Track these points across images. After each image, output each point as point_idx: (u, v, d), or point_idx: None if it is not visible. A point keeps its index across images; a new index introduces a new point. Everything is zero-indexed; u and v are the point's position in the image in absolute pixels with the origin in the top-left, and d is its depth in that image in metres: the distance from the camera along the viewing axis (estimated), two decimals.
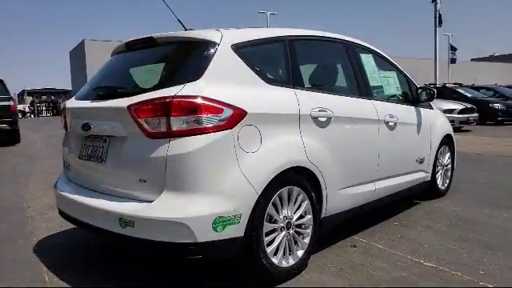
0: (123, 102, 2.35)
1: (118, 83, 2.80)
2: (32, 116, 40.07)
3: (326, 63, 3.45)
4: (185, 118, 2.20)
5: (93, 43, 35.86)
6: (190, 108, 2.20)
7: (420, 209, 4.25)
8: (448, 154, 4.81)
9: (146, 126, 2.26)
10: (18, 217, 4.24)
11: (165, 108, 2.21)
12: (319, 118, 2.82)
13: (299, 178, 2.65)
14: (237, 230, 2.29)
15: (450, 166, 4.85)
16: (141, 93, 2.37)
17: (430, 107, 4.45)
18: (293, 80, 2.78)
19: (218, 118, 2.25)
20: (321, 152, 2.79)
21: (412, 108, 4.05)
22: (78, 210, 2.65)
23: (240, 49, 2.54)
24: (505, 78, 44.53)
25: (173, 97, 2.21)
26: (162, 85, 2.38)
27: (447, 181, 4.81)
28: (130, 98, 2.36)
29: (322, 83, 3.16)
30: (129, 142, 2.36)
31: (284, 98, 2.67)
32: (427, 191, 4.47)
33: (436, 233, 3.47)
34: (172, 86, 2.29)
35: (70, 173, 2.93)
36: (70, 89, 45.16)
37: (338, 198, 2.99)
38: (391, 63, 4.00)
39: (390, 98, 3.83)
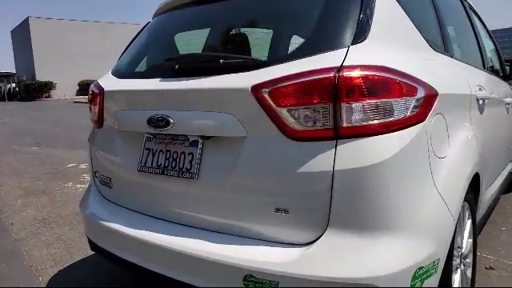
0: (242, 80, 1.40)
1: (203, 50, 1.80)
2: None
3: (457, 24, 2.59)
4: (364, 104, 1.28)
5: (39, 21, 32.92)
6: (374, 87, 1.29)
7: (508, 207, 3.57)
8: None
9: (290, 119, 1.32)
10: (3, 240, 3.12)
11: (328, 88, 1.28)
12: (479, 101, 2.00)
13: (468, 190, 1.82)
14: (432, 284, 1.43)
15: None
16: (267, 65, 1.41)
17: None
18: (446, 45, 1.93)
19: (413, 104, 1.35)
20: (483, 148, 1.97)
21: (507, 84, 3.32)
22: (139, 251, 1.67)
23: None
24: None
25: (339, 68, 1.29)
26: (299, 51, 1.45)
27: None
28: (251, 73, 1.40)
29: (463, 51, 2.33)
30: (251, 147, 1.41)
31: (453, 72, 1.82)
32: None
33: None
34: (321, 51, 1.36)
35: (111, 190, 1.92)
36: (14, 72, 41.54)
37: (482, 204, 2.21)
38: (487, 29, 3.22)
39: (495, 73, 3.07)
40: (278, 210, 1.36)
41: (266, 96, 1.33)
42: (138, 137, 1.74)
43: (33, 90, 33.70)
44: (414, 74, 1.37)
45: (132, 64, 1.94)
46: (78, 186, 4.73)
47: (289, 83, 1.31)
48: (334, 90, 1.27)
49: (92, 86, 2.00)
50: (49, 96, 33.29)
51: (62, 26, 35.13)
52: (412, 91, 1.35)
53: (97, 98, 1.92)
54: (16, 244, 3.04)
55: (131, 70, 1.90)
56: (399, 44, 1.51)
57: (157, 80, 1.65)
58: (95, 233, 1.96)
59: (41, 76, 33.82)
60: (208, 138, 1.51)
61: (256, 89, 1.35)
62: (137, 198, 1.79)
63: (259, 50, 1.70)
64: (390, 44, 1.46)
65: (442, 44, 1.90)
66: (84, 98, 28.08)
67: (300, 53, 1.41)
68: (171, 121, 1.55)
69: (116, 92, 1.83)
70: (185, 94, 1.54)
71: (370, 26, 1.41)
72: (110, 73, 2.03)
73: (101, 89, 1.88)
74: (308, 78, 1.30)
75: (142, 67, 1.88)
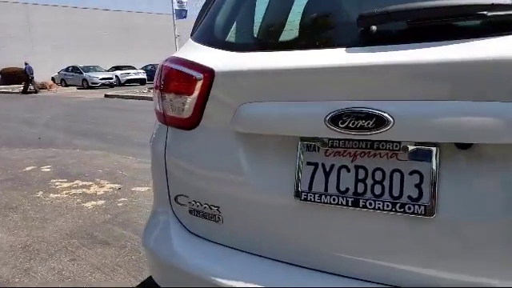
0: None
1: None
2: None
3: None
4: None
5: None
6: None
7: None
8: None
9: None
10: None
11: None
12: None
13: None
14: None
15: None
16: None
17: None
18: None
19: None
20: None
21: None
22: None
23: None
24: None
25: None
26: None
27: None
28: None
29: None
30: None
31: None
32: None
33: None
34: None
35: (218, 226, 1.23)
36: None
37: None
38: None
39: None
40: None
41: None
42: (282, 144, 1.08)
43: None
44: None
45: (261, 27, 1.24)
46: (52, 195, 3.81)
47: None
48: None
49: (174, 65, 1.27)
50: None
51: None
52: None
53: (193, 85, 1.20)
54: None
55: (263, 37, 1.21)
56: None
57: (340, 50, 0.99)
58: None
59: None
60: (465, 146, 0.90)
61: None
62: (285, 240, 1.13)
63: None
64: None
65: None
66: (11, 88, 25.38)
67: None
68: (390, 118, 0.91)
69: (249, 73, 1.12)
70: (418, 72, 0.91)
71: None
72: (193, 43, 1.32)
73: (205, 69, 1.17)
74: None
75: (282, 30, 1.19)
